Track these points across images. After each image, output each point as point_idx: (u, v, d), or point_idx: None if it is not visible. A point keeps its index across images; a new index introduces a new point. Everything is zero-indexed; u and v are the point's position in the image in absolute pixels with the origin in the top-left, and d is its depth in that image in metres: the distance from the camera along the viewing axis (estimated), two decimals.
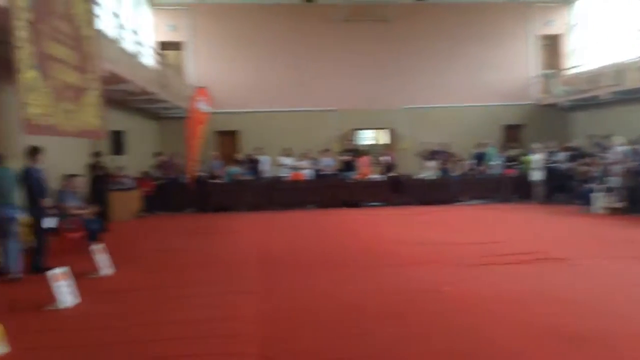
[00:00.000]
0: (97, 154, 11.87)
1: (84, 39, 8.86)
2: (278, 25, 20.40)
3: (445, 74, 20.66)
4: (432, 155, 16.67)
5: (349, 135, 20.02)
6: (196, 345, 4.41)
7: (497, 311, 5.19)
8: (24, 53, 6.32)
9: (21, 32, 6.27)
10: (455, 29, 20.70)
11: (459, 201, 15.77)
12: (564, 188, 14.64)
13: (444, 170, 16.33)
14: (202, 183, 15.36)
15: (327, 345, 4.39)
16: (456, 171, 16.23)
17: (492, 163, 16.37)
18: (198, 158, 15.72)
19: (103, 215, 10.48)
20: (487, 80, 20.74)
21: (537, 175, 15.07)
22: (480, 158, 16.61)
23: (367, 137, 21.96)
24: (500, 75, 20.81)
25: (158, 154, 16.16)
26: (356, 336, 4.56)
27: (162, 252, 8.87)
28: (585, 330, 4.56)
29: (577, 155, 14.86)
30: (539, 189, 15.11)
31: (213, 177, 15.80)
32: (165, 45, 20.07)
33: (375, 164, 16.80)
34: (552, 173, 14.88)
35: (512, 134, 20.78)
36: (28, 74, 6.44)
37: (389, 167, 16.51)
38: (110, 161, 13.36)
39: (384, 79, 20.58)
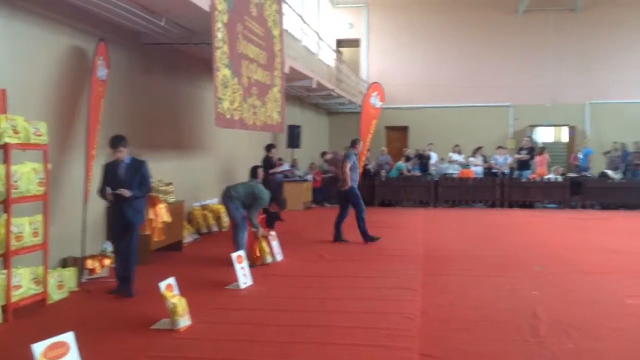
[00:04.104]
0: (269, 147, 12.51)
1: (272, 39, 9.52)
2: (453, 19, 20.02)
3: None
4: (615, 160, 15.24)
5: (525, 132, 18.97)
6: (358, 335, 4.52)
7: None
8: (220, 53, 6.97)
9: (219, 33, 6.92)
10: None
11: None
12: None
13: (633, 173, 14.82)
14: (369, 177, 15.63)
15: (493, 349, 4.24)
16: None
17: None
18: (367, 153, 16.00)
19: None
20: None
21: None
22: None
23: (545, 135, 20.70)
24: None
25: (324, 153, 16.69)
26: (529, 345, 4.33)
27: (327, 243, 9.17)
28: None
29: None
30: None
31: (380, 171, 16.00)
32: (342, 43, 20.74)
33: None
34: None
35: None
36: (223, 72, 7.09)
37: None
38: (285, 154, 14.18)
39: (567, 73, 19.21)
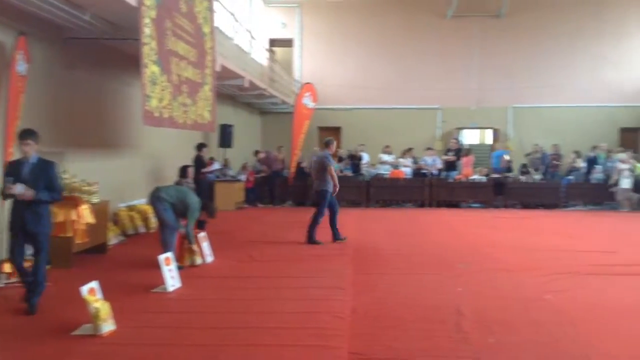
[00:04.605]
0: (200, 146, 12.29)
1: (203, 36, 9.35)
2: (384, 22, 20.37)
3: (559, 72, 19.69)
4: (525, 170, 16.05)
5: (453, 134, 19.60)
6: (286, 336, 4.54)
7: (603, 324, 4.94)
8: (148, 49, 6.78)
9: (146, 29, 6.73)
10: (574, 25, 19.65)
11: (566, 206, 15.07)
12: None
13: (551, 174, 15.68)
14: (302, 177, 15.68)
15: (420, 346, 4.36)
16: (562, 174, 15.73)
17: (597, 167, 15.49)
18: (300, 153, 16.09)
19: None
20: (606, 79, 19.52)
21: (625, 183, 14.52)
22: (592, 162, 15.75)
23: (471, 137, 21.45)
24: (621, 74, 19.51)
25: (257, 152, 16.72)
26: (454, 340, 4.49)
27: (259, 243, 9.14)
28: None
29: None
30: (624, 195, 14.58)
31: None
32: (275, 42, 20.68)
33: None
34: None
35: (630, 138, 19.39)
36: (151, 69, 6.91)
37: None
38: (216, 154, 13.99)
39: (492, 77, 19.98)
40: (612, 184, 14.68)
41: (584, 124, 19.38)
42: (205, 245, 7.51)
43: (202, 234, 7.61)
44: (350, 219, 12.47)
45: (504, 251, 8.50)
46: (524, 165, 16.25)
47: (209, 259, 7.49)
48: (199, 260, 7.25)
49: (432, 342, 4.44)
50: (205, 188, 11.87)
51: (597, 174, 15.38)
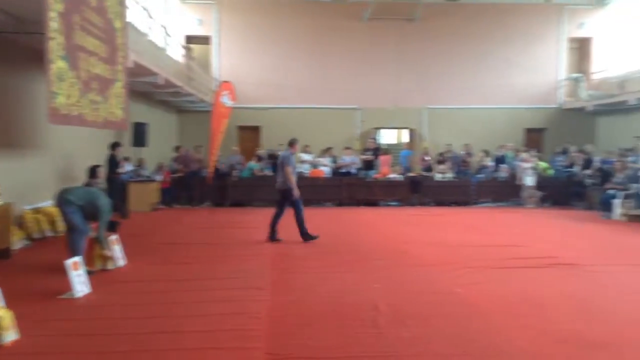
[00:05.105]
0: (114, 145, 11.86)
1: (114, 31, 9.00)
2: (302, 22, 20.47)
3: (469, 75, 20.56)
4: (442, 158, 16.73)
5: (371, 133, 19.99)
6: (203, 339, 4.47)
7: (510, 315, 5.20)
8: (54, 44, 6.45)
9: (53, 23, 6.40)
10: (483, 30, 20.57)
11: (476, 203, 15.79)
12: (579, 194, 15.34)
13: (463, 172, 16.39)
14: (220, 177, 15.47)
15: (336, 343, 4.42)
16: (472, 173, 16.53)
17: (503, 166, 16.36)
18: (218, 152, 15.85)
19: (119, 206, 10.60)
20: (512, 82, 20.59)
21: (528, 181, 15.41)
22: (500, 161, 16.61)
23: (389, 137, 21.96)
24: (526, 77, 20.64)
25: (177, 147, 16.38)
26: (370, 336, 4.58)
27: (176, 245, 8.94)
28: (597, 337, 4.59)
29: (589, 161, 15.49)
30: (529, 192, 15.49)
31: (232, 171, 15.92)
32: (192, 39, 20.25)
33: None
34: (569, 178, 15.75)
35: (534, 138, 20.61)
36: (58, 64, 6.57)
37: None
38: (130, 153, 13.53)
39: (407, 79, 20.56)
40: (519, 182, 15.52)
41: (493, 124, 20.39)
42: (117, 249, 7.24)
43: (113, 237, 7.32)
44: (268, 219, 12.42)
45: (419, 247, 8.77)
46: (441, 154, 16.95)
47: (121, 262, 7.21)
48: (110, 265, 6.98)
49: (349, 339, 4.51)
50: (117, 188, 11.48)
51: (504, 172, 16.20)
